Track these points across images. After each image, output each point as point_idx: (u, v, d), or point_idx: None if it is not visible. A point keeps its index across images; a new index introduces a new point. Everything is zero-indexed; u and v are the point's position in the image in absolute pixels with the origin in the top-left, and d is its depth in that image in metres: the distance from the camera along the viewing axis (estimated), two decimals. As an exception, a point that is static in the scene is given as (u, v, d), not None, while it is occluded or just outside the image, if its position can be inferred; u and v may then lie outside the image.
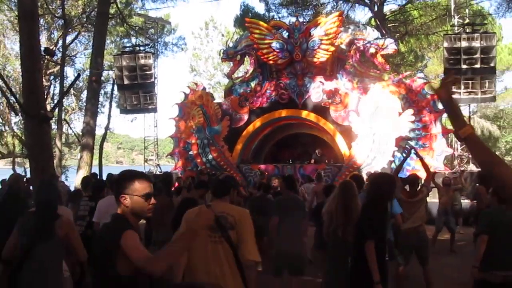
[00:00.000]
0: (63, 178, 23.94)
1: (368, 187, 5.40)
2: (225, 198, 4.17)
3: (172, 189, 9.91)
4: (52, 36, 27.21)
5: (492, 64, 15.97)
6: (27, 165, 26.51)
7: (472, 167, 16.93)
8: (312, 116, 16.67)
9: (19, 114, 20.84)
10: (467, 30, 16.55)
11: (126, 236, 2.83)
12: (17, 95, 14.14)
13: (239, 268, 3.85)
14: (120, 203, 2.97)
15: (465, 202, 13.53)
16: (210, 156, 17.32)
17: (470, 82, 15.98)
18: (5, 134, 27.99)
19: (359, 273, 4.71)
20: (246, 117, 17.47)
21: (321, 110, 16.57)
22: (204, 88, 18.97)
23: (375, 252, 4.59)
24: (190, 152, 17.71)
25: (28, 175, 19.70)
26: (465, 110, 18.75)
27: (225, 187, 4.21)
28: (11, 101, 17.62)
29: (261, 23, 17.38)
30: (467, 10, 18.96)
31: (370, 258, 4.56)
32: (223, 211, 3.97)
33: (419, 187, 7.26)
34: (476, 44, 15.66)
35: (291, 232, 6.33)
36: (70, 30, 25.61)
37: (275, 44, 16.47)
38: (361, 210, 4.98)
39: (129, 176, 3.04)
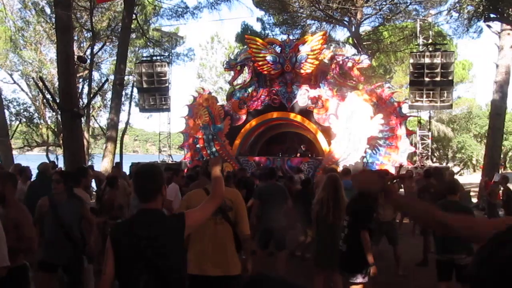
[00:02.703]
0: (89, 164, 24.06)
1: None
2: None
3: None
4: (82, 45, 27.18)
5: (450, 78, 15.94)
6: (59, 152, 26.71)
7: (429, 162, 17.17)
8: (298, 118, 16.75)
9: (55, 110, 20.99)
10: (430, 49, 16.53)
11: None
12: (53, 95, 14.24)
13: (236, 242, 3.87)
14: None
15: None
16: (214, 149, 17.42)
17: (431, 92, 15.91)
18: (40, 126, 28.01)
19: (354, 255, 4.74)
20: (244, 117, 17.53)
21: (306, 113, 16.65)
22: (210, 92, 19.09)
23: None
24: (198, 145, 17.81)
25: (60, 162, 19.89)
26: (425, 116, 19.04)
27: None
28: (48, 99, 17.70)
29: (258, 39, 17.41)
30: (430, 32, 19.08)
31: (366, 245, 4.65)
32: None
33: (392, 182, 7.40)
34: (437, 60, 15.62)
35: (273, 212, 6.53)
36: (97, 41, 25.64)
37: (269, 57, 16.53)
38: (353, 202, 4.98)
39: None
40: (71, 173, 6.18)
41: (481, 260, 1.00)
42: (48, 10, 25.02)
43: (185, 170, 12.31)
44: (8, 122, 23.75)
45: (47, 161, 21.41)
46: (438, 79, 15.71)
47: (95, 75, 28.72)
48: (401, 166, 14.72)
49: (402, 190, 11.36)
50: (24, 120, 26.79)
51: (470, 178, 31.95)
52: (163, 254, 2.49)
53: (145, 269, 2.45)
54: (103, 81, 19.76)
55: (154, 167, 2.75)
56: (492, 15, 14.12)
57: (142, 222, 2.55)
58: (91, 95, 22.29)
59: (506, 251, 0.96)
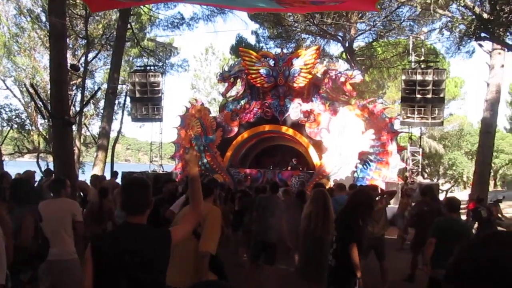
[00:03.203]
0: (80, 172, 23.97)
1: (351, 197, 5.36)
2: (208, 199, 4.09)
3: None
4: (76, 53, 27.20)
5: (441, 95, 16.05)
6: (50, 159, 26.59)
7: (420, 179, 17.28)
8: (290, 131, 16.85)
9: (46, 118, 20.92)
10: (422, 66, 16.63)
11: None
12: (44, 102, 14.18)
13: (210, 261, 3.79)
14: None
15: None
16: (205, 160, 17.45)
17: (422, 109, 15.97)
18: (31, 133, 27.89)
19: (343, 269, 4.74)
20: (236, 129, 17.61)
21: (298, 126, 16.75)
22: (202, 104, 19.17)
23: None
24: (189, 156, 17.81)
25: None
26: (417, 132, 19.14)
27: (208, 189, 4.14)
28: (39, 106, 17.66)
29: (252, 52, 17.50)
30: (422, 49, 19.24)
31: (354, 258, 4.64)
32: None
33: (380, 197, 7.42)
34: (429, 78, 15.71)
35: (268, 225, 6.55)
36: (91, 48, 25.67)
37: (262, 70, 16.64)
38: (343, 215, 5.00)
39: None
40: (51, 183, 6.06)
41: (459, 259, 1.04)
42: (43, 17, 25.08)
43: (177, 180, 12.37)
44: (0, 128, 23.72)
45: (30, 169, 21.38)
46: (429, 96, 15.81)
47: (89, 83, 28.69)
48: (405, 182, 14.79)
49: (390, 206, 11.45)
50: (16, 126, 26.65)
51: (461, 195, 32.09)
52: (148, 268, 2.49)
53: (127, 282, 2.45)
54: (95, 89, 19.74)
55: (145, 181, 2.74)
56: (483, 35, 14.30)
57: (128, 236, 2.55)
58: (83, 103, 22.25)
59: (486, 252, 1.00)
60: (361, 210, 4.89)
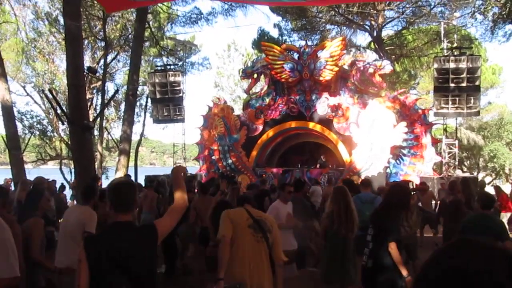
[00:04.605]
0: (103, 178, 24.23)
1: (386, 194, 5.29)
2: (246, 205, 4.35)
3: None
4: (95, 55, 27.56)
5: (477, 83, 15.52)
6: (73, 166, 26.99)
7: (458, 173, 16.86)
8: (318, 127, 16.69)
9: (65, 123, 21.22)
10: (455, 53, 16.15)
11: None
12: (64, 107, 14.34)
13: (271, 265, 4.01)
14: None
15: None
16: (230, 161, 17.35)
17: (457, 98, 15.53)
18: (53, 139, 28.37)
19: (381, 270, 4.65)
20: (261, 127, 17.52)
21: (326, 122, 16.56)
22: (225, 102, 19.13)
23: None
24: (213, 157, 17.80)
25: (73, 175, 20.02)
26: (452, 122, 18.68)
27: (247, 199, 4.53)
28: (58, 112, 17.90)
29: (275, 46, 17.34)
30: (455, 35, 18.75)
31: (396, 257, 4.57)
32: (260, 216, 4.19)
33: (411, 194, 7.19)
34: (463, 65, 15.24)
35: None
36: (110, 50, 25.95)
37: (286, 65, 16.50)
38: (377, 214, 4.93)
39: None
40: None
41: (428, 268, 1.04)
42: (61, 20, 25.44)
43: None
44: (22, 135, 24.17)
45: (60, 175, 21.72)
46: (464, 84, 15.33)
47: (109, 85, 29.04)
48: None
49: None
50: (37, 133, 27.17)
51: (503, 189, 31.26)
52: (141, 264, 2.73)
53: (124, 279, 2.64)
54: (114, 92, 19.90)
55: (131, 182, 3.09)
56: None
57: (120, 234, 2.79)
58: (103, 107, 22.50)
59: (453, 261, 1.00)
60: (398, 209, 4.84)
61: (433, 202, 11.63)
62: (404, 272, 4.55)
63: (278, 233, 4.13)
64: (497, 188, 12.35)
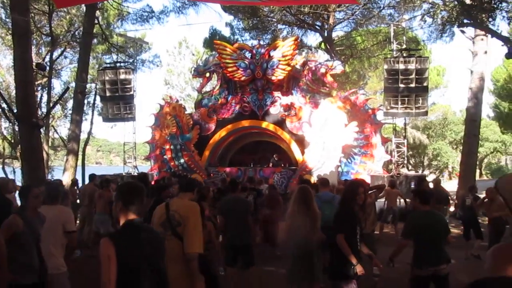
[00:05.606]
0: (49, 177, 23.53)
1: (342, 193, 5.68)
2: (187, 194, 4.27)
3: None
4: (40, 51, 26.66)
5: (425, 84, 16.01)
6: (16, 165, 26.07)
7: (405, 171, 17.38)
8: (271, 126, 16.80)
9: (12, 121, 20.47)
10: (404, 54, 16.63)
11: None
12: (9, 104, 13.89)
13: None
14: None
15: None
16: (182, 160, 17.25)
17: (406, 99, 16.01)
18: (-5, 138, 27.33)
19: (337, 264, 4.94)
20: (213, 126, 17.45)
21: (279, 121, 16.70)
22: (177, 101, 19.00)
23: (347, 243, 4.80)
24: (165, 156, 17.65)
25: (17, 175, 19.38)
26: (400, 122, 19.27)
27: (191, 185, 4.48)
28: (4, 108, 17.25)
29: (228, 45, 17.32)
30: (404, 37, 19.30)
31: (342, 247, 4.79)
32: (176, 209, 4.02)
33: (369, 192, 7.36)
34: (412, 66, 15.69)
35: (237, 227, 6.46)
36: (56, 46, 25.20)
37: (239, 64, 16.56)
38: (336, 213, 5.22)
39: None
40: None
41: None
42: (3, 15, 24.51)
43: (153, 182, 12.23)
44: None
45: (2, 175, 20.92)
46: (413, 85, 15.81)
47: (55, 83, 28.22)
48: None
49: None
50: (-22, 131, 26.08)
51: (446, 186, 32.50)
52: (161, 259, 3.03)
53: (151, 274, 2.88)
54: (63, 89, 19.41)
55: (142, 186, 3.19)
56: (465, 21, 14.48)
57: (143, 231, 3.01)
58: (51, 105, 21.82)
59: None
60: (347, 204, 5.09)
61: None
62: (353, 260, 4.77)
63: (189, 221, 3.92)
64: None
